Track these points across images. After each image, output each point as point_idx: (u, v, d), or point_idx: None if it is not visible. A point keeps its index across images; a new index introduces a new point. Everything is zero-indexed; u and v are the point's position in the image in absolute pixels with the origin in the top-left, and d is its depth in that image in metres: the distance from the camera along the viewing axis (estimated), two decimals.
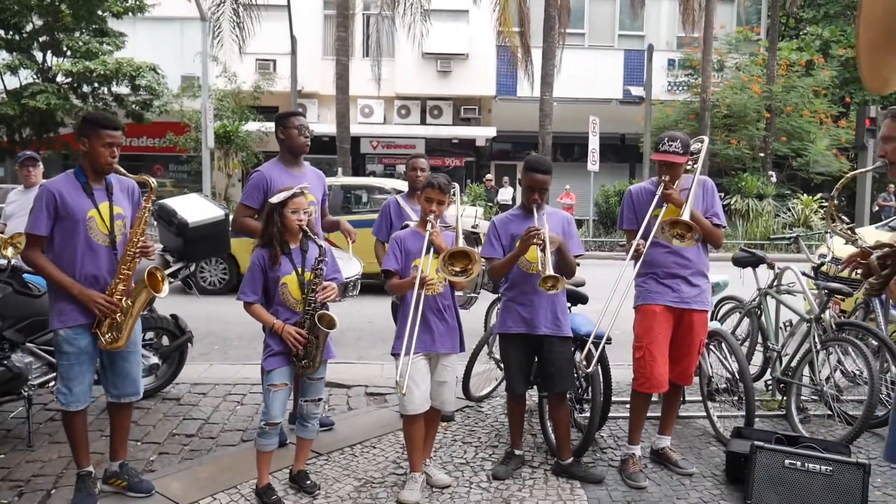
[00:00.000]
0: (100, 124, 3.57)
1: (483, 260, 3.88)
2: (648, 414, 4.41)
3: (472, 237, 4.85)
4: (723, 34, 23.30)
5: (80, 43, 17.63)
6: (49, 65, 18.19)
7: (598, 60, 24.17)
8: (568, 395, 4.46)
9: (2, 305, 4.40)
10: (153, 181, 3.78)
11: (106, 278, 3.58)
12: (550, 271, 3.74)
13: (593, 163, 19.01)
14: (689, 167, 4.24)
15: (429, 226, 3.80)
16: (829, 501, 3.57)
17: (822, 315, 4.90)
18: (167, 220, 5.09)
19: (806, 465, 3.66)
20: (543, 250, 3.83)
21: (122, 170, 3.66)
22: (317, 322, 3.63)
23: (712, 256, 4.41)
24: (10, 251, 4.40)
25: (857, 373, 5.34)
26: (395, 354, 3.89)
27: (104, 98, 18.65)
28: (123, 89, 18.60)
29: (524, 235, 3.89)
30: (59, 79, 18.11)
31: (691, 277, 4.15)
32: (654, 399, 4.40)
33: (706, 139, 4.46)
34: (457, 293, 4.08)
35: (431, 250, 3.77)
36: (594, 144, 19.01)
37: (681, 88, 23.58)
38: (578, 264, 4.37)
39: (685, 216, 3.86)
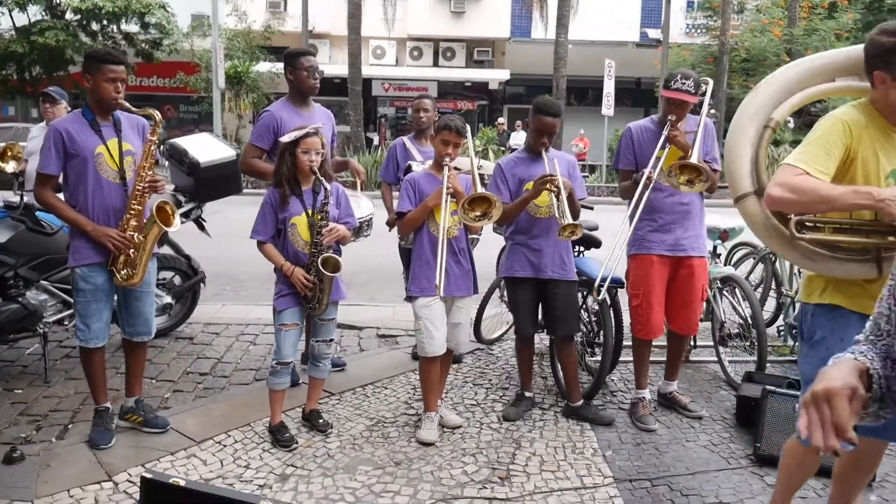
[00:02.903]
0: (102, 59, 3.52)
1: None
2: (656, 358, 4.43)
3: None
4: None
5: None
6: (58, 1, 17.96)
7: (616, 2, 23.62)
8: (579, 339, 4.47)
9: (15, 243, 4.42)
10: (158, 114, 3.74)
11: (118, 214, 3.58)
12: (569, 219, 3.69)
13: (608, 107, 18.73)
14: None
15: (445, 169, 3.75)
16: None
17: None
18: (178, 160, 5.06)
19: None
20: (558, 196, 3.79)
21: (127, 105, 3.62)
22: (320, 266, 3.61)
23: (728, 202, 4.35)
24: (10, 165, 4.35)
25: None
26: (411, 297, 3.90)
27: (113, 36, 18.46)
28: (133, 27, 18.39)
29: (538, 180, 3.85)
30: (68, 16, 17.90)
31: (688, 224, 4.10)
32: (662, 343, 4.41)
33: (711, 81, 4.32)
34: None
35: (448, 193, 3.73)
36: (609, 88, 18.70)
37: (699, 31, 23.10)
38: (591, 208, 4.33)
39: (694, 160, 3.77)
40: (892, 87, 2.41)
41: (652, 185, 3.92)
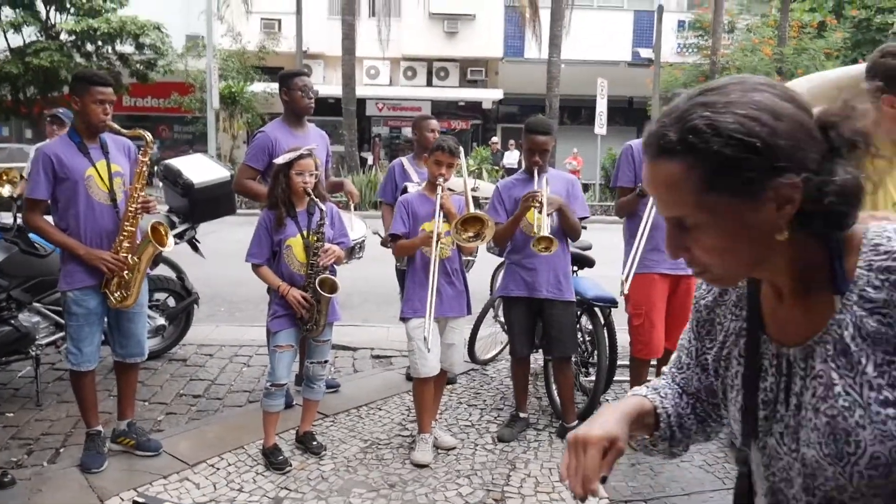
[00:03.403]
0: (90, 81, 3.53)
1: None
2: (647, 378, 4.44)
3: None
4: None
5: (84, 0, 17.45)
6: (53, 22, 18.04)
7: (608, 21, 23.82)
8: (573, 359, 4.47)
9: (8, 265, 4.40)
10: (149, 135, 3.75)
11: (110, 236, 3.58)
12: (545, 232, 3.73)
13: (601, 126, 18.84)
14: None
15: (438, 189, 3.77)
16: None
17: None
18: (173, 181, 5.06)
19: None
20: (541, 211, 3.82)
21: (116, 126, 3.63)
22: (317, 287, 3.62)
23: None
24: (6, 189, 4.34)
25: None
26: (405, 319, 3.90)
27: (108, 57, 18.52)
28: (127, 48, 18.46)
29: (523, 198, 3.88)
30: (63, 37, 17.98)
31: None
32: (652, 363, 4.42)
33: None
34: None
35: (441, 214, 3.75)
36: (602, 107, 18.82)
37: (691, 50, 23.26)
38: (585, 227, 4.35)
39: None
40: None
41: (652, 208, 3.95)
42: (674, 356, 1.41)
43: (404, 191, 4.64)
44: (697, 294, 1.33)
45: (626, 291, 4.03)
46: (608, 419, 1.22)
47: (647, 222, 3.95)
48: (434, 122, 5.13)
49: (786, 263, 1.06)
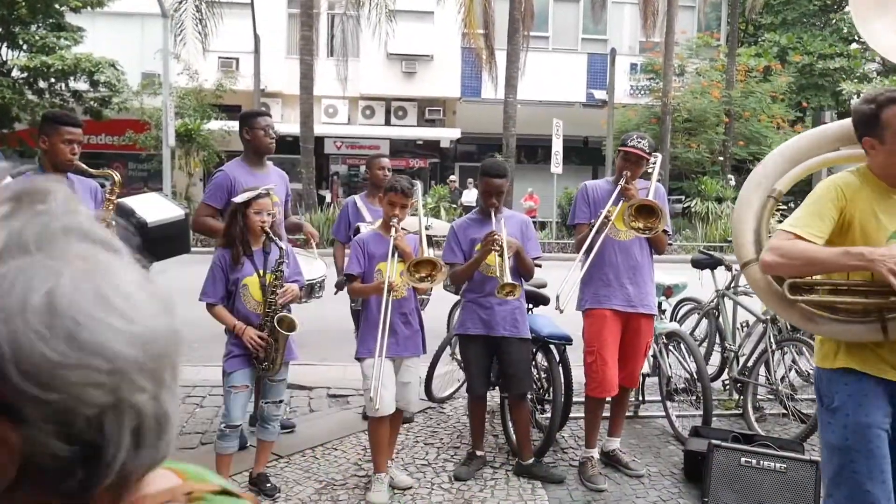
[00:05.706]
0: (59, 121, 3.55)
1: (447, 266, 3.93)
2: (603, 414, 4.48)
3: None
4: (684, 39, 23.63)
5: (37, 37, 17.26)
6: (4, 59, 17.79)
7: (562, 64, 24.34)
8: (529, 396, 4.50)
9: None
10: (117, 175, 3.75)
11: None
12: (508, 278, 3.77)
13: (556, 165, 19.13)
14: (649, 170, 4.31)
15: (393, 230, 3.80)
16: (784, 498, 3.65)
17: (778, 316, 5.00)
18: (125, 220, 5.00)
19: (761, 462, 3.74)
20: (501, 255, 3.87)
21: (83, 166, 3.63)
22: (276, 325, 3.61)
23: (673, 258, 4.48)
24: None
25: (811, 372, 5.45)
26: (360, 359, 3.89)
27: (61, 94, 18.27)
28: (81, 85, 18.25)
29: (483, 241, 3.93)
30: (15, 73, 17.71)
31: (639, 281, 4.21)
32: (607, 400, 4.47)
33: (660, 156, 4.51)
34: None
35: (396, 254, 3.78)
36: (557, 147, 19.13)
37: (643, 92, 23.85)
38: (539, 265, 4.41)
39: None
40: (881, 152, 2.49)
41: (606, 230, 4.03)
42: None
43: (357, 231, 4.66)
44: None
45: (561, 307, 4.04)
46: None
47: (592, 253, 4.05)
48: (385, 161, 5.21)
49: None
